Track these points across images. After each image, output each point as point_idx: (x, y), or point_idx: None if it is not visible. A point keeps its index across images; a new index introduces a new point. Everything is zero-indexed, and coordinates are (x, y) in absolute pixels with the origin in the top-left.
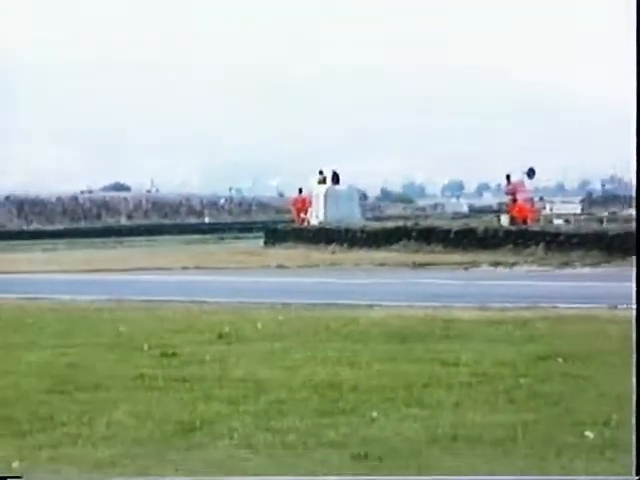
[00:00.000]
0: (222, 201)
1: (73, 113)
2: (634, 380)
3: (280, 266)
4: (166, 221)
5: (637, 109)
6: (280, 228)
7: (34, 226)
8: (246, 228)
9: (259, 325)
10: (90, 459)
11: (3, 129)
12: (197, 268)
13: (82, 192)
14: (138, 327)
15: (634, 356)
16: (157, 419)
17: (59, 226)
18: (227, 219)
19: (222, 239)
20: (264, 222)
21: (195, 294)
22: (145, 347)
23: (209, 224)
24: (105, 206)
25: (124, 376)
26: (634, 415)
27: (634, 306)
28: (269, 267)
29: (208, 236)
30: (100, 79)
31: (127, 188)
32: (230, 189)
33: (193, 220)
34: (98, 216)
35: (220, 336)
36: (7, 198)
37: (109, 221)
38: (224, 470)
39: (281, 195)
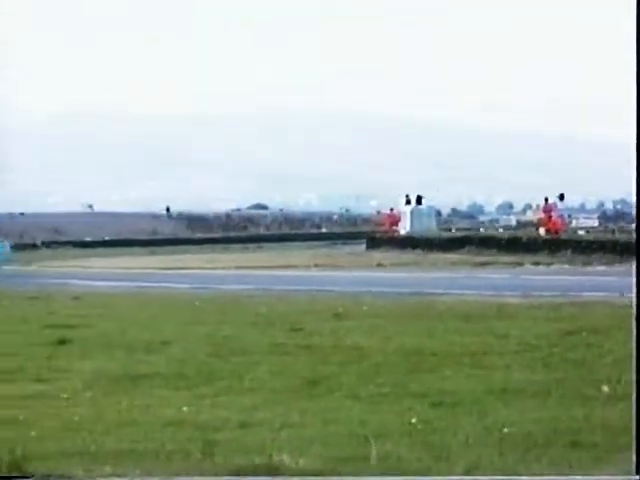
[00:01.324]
0: (335, 217)
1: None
2: (634, 381)
3: (379, 265)
4: (294, 231)
5: (637, 109)
6: (378, 237)
7: (198, 235)
8: (352, 237)
9: (364, 307)
10: (238, 405)
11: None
12: (317, 266)
13: (233, 210)
14: (274, 309)
15: (634, 361)
16: (288, 376)
17: (216, 235)
18: (338, 230)
19: (335, 244)
20: (366, 232)
21: (316, 284)
22: (278, 324)
23: (325, 234)
24: (250, 220)
25: (264, 344)
26: (634, 415)
27: (634, 305)
28: (370, 265)
29: (324, 242)
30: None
31: (265, 207)
32: (341, 208)
33: (314, 231)
34: (245, 228)
35: (335, 315)
36: (179, 215)
37: (253, 231)
38: (335, 413)
39: (378, 212)
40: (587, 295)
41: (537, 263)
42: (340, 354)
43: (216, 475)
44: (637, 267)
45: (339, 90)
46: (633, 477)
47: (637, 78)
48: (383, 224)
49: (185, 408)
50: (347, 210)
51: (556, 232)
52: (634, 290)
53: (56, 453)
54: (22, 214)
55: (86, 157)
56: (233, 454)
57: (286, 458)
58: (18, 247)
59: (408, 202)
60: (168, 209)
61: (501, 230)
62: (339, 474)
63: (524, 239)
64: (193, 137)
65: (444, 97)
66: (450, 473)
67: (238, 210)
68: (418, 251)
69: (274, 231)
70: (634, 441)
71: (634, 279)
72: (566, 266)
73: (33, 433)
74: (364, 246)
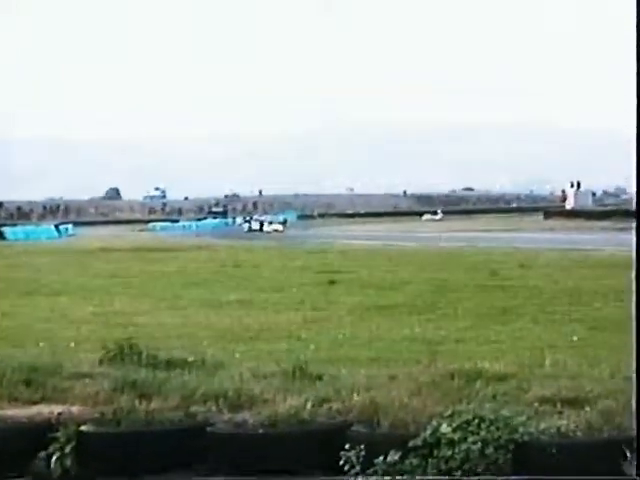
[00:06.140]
0: (522, 196)
1: None
2: (634, 382)
3: (551, 229)
4: (493, 206)
5: (637, 110)
6: (551, 210)
7: (426, 209)
8: (534, 210)
9: (541, 259)
10: (454, 326)
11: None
12: (510, 230)
13: (450, 192)
14: (478, 260)
15: (634, 363)
16: (488, 306)
17: (438, 209)
18: (524, 205)
19: (522, 215)
20: (543, 207)
21: (507, 242)
22: (481, 270)
23: (514, 208)
24: (462, 199)
25: (470, 285)
26: (634, 416)
27: (634, 304)
28: (546, 229)
29: (514, 214)
30: None
31: (472, 189)
32: (531, 190)
33: (506, 206)
34: (458, 204)
35: (520, 265)
36: (412, 195)
37: (464, 207)
38: (521, 332)
39: (551, 193)
40: None
41: None
42: (524, 292)
43: None
44: (637, 267)
45: (527, 106)
46: (634, 477)
47: (637, 76)
48: (555, 201)
49: (417, 329)
50: (531, 191)
51: None
52: (634, 297)
53: (326, 360)
54: (305, 195)
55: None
56: (449, 361)
57: (487, 364)
58: (301, 217)
59: (572, 186)
60: (405, 192)
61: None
62: (519, 378)
63: None
64: (415, 138)
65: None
66: (599, 375)
67: (453, 191)
68: (579, 220)
69: (479, 206)
70: (635, 442)
71: (634, 283)
72: None
73: (312, 346)
74: (542, 216)
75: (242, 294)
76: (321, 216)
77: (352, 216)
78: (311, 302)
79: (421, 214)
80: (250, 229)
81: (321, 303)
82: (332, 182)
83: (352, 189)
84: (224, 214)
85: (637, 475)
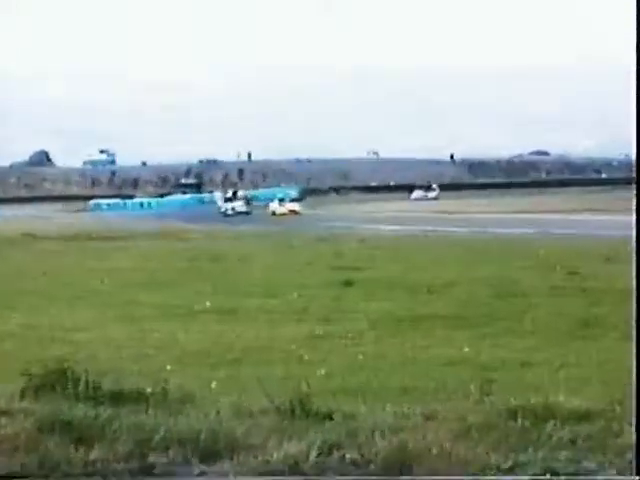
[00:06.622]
0: (615, 163)
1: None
2: (634, 381)
3: None
4: (574, 177)
5: (637, 103)
6: None
7: (480, 180)
8: (631, 182)
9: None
10: (515, 347)
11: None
12: (589, 210)
13: (514, 156)
14: (551, 252)
15: (634, 358)
16: (564, 315)
17: (498, 180)
18: (619, 175)
19: (614, 189)
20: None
21: (592, 228)
22: (557, 268)
23: (604, 179)
24: (531, 166)
25: (542, 287)
26: (634, 415)
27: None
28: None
29: (603, 187)
30: None
31: (546, 153)
32: (620, 154)
33: (594, 176)
34: (526, 173)
35: (606, 259)
36: (462, 160)
37: (533, 176)
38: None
39: None
40: None
41: None
42: (613, 297)
43: None
44: (637, 264)
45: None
46: (633, 477)
47: (637, 75)
48: None
49: (466, 348)
50: (627, 155)
51: None
52: (634, 296)
53: (339, 391)
54: (309, 160)
55: (369, 108)
56: (510, 393)
57: (562, 398)
58: (306, 192)
59: None
60: (452, 156)
61: None
62: (607, 416)
63: None
64: (463, 86)
65: None
66: None
67: (519, 156)
68: None
69: (555, 176)
70: (634, 441)
71: (634, 280)
72: None
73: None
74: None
75: (222, 300)
76: (336, 190)
77: (378, 190)
78: (319, 310)
79: (479, 186)
80: (234, 211)
81: (333, 312)
82: (348, 143)
83: (377, 153)
84: (197, 187)
85: (637, 475)
